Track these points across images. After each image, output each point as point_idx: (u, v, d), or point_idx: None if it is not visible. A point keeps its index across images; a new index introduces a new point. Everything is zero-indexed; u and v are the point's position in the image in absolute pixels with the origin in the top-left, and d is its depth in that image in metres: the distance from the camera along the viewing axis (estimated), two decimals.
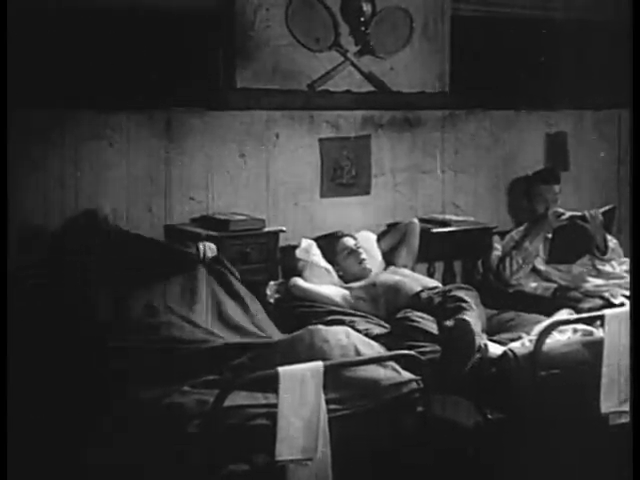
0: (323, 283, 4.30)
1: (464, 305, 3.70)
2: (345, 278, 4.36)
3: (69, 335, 3.49)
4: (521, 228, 4.95)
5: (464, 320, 3.52)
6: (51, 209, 4.11)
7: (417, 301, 3.99)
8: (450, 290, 3.93)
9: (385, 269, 4.50)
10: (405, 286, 4.17)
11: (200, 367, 3.13)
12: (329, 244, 4.42)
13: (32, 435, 3.18)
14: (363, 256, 4.39)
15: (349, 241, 4.43)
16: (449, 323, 3.57)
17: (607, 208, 4.91)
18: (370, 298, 4.18)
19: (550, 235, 4.83)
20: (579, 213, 4.84)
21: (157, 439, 2.87)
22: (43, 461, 3.17)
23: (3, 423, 2.54)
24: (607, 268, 4.79)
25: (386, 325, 3.85)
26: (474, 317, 3.61)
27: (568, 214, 4.84)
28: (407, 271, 4.45)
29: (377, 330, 3.78)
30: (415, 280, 4.27)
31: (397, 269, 4.45)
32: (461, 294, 3.81)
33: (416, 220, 4.71)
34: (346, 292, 4.22)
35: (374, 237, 4.67)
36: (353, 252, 4.39)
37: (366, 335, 3.52)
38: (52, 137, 4.10)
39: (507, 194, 5.32)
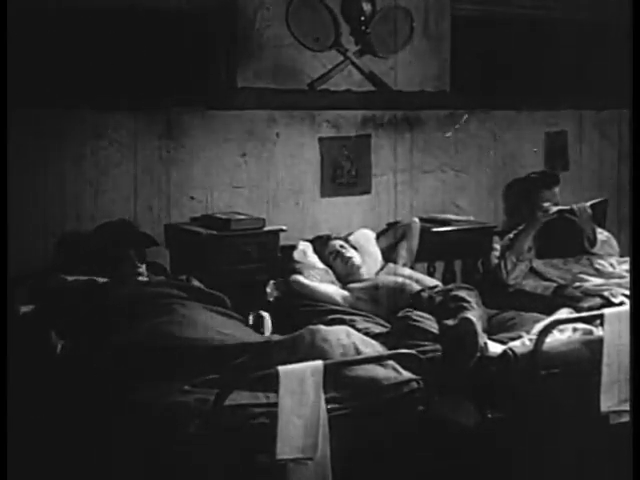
0: (323, 282, 4.29)
1: (465, 305, 3.70)
2: (340, 279, 4.35)
3: (68, 335, 3.49)
4: (520, 228, 4.95)
5: (467, 319, 3.51)
6: (51, 209, 4.11)
7: (418, 300, 3.99)
8: (451, 290, 3.93)
9: (383, 267, 4.50)
10: (407, 287, 4.16)
11: (200, 366, 3.13)
12: (319, 248, 4.42)
13: (32, 434, 3.18)
14: (348, 255, 4.37)
15: (335, 243, 4.42)
16: (451, 322, 3.57)
17: (596, 201, 4.89)
18: (372, 299, 4.17)
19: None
20: (567, 207, 4.84)
21: (157, 439, 2.87)
22: (43, 461, 3.17)
23: (3, 423, 2.54)
24: (607, 268, 4.79)
25: (386, 324, 3.85)
26: (475, 317, 3.60)
27: (555, 208, 4.84)
28: (408, 271, 4.44)
29: (377, 329, 3.77)
30: (416, 280, 4.27)
31: (397, 268, 4.45)
32: (462, 294, 3.81)
33: (416, 219, 4.70)
34: (346, 292, 4.22)
35: (373, 235, 4.66)
36: (339, 254, 4.38)
37: (366, 334, 3.51)
38: (52, 137, 4.10)
39: (504, 196, 5.31)
